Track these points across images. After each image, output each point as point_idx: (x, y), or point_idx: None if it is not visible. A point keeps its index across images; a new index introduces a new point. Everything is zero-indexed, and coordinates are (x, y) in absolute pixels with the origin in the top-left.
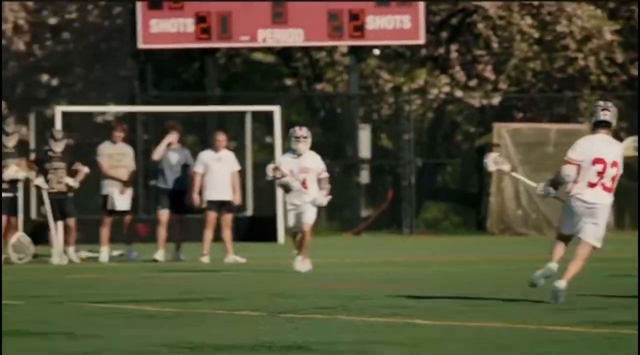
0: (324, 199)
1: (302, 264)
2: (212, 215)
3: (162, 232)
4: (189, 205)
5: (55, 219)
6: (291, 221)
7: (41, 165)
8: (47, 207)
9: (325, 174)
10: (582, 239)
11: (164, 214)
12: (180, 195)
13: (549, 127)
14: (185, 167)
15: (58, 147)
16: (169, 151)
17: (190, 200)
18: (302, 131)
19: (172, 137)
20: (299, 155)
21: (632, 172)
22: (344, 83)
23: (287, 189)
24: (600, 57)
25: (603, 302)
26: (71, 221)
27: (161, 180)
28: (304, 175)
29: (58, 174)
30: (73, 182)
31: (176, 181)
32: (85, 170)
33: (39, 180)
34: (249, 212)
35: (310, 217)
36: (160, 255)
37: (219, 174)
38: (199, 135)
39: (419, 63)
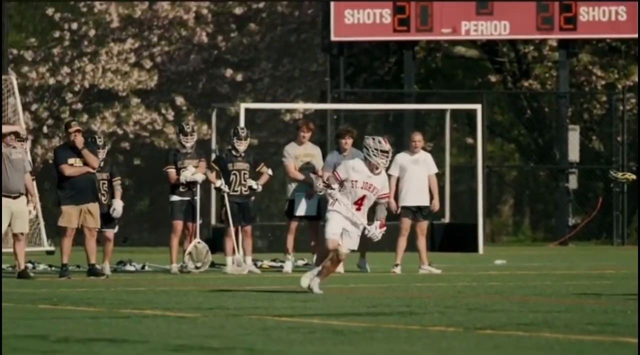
0: (379, 232)
1: (317, 285)
2: (406, 222)
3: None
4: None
5: (236, 225)
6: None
7: (222, 166)
8: (228, 211)
9: (386, 200)
10: None
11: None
12: None
13: None
14: None
15: (241, 146)
16: (340, 159)
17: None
18: (388, 145)
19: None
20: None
21: None
22: (553, 80)
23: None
24: None
25: None
26: (249, 228)
27: None
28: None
29: (240, 176)
30: (256, 185)
31: None
32: (269, 172)
33: (220, 183)
34: (447, 219)
35: (353, 245)
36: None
37: (415, 177)
38: (394, 135)
39: (635, 58)
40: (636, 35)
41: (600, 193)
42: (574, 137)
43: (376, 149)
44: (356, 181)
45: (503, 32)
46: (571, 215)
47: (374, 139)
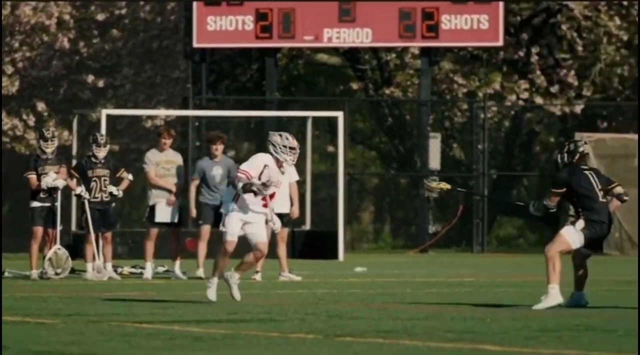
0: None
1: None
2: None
3: (202, 249)
4: None
5: (96, 231)
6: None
7: (82, 173)
8: (88, 218)
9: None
10: None
11: (206, 230)
12: None
13: (635, 138)
14: (230, 180)
15: (100, 153)
16: (211, 164)
17: None
18: (295, 141)
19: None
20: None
21: None
22: (415, 88)
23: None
24: None
25: None
26: (110, 234)
27: (204, 195)
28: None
29: (101, 182)
30: (117, 191)
31: (220, 195)
32: (129, 178)
33: (80, 190)
34: (307, 226)
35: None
36: (201, 272)
37: None
38: (256, 142)
39: (496, 67)
40: (498, 44)
41: (460, 201)
42: (435, 145)
43: (284, 146)
44: (272, 180)
45: (365, 39)
46: (431, 222)
47: (280, 135)
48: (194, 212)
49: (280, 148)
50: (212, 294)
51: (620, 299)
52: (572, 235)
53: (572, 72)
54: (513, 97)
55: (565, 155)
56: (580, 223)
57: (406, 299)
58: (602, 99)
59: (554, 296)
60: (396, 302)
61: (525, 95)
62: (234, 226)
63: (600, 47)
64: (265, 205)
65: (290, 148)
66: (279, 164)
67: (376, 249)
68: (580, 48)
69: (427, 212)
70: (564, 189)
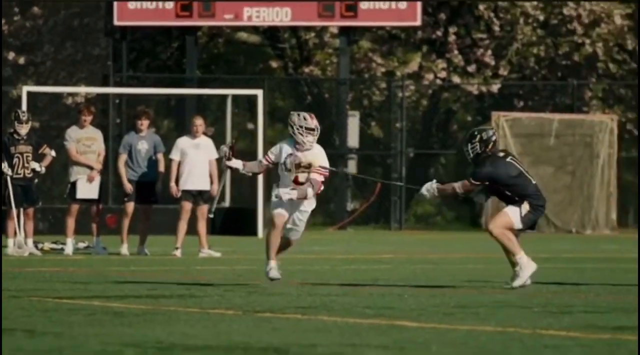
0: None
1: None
2: (187, 206)
3: (126, 225)
4: (159, 195)
5: (18, 207)
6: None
7: (5, 149)
8: (10, 194)
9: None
10: None
11: (130, 206)
12: (148, 186)
13: (552, 117)
14: (154, 155)
15: (22, 130)
16: (137, 139)
17: (159, 189)
18: (315, 121)
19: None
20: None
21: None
22: (333, 66)
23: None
24: (609, 43)
25: (602, 306)
26: (32, 210)
27: (128, 170)
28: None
29: (23, 158)
30: (39, 167)
31: (144, 171)
32: (52, 154)
33: (2, 165)
34: (227, 203)
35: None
36: (125, 249)
37: (196, 161)
38: (176, 120)
39: (414, 46)
40: (416, 23)
41: (379, 178)
42: (353, 123)
43: (300, 126)
44: (284, 162)
45: (285, 18)
46: (350, 200)
47: (298, 115)
48: (127, 187)
49: (297, 128)
50: (275, 273)
51: (537, 276)
52: (515, 215)
53: (489, 52)
54: (431, 76)
55: (478, 145)
56: (526, 206)
57: (325, 275)
58: (518, 78)
59: (526, 264)
60: (315, 278)
61: (443, 74)
62: (279, 207)
63: (516, 27)
64: (294, 189)
65: (307, 128)
66: (299, 146)
67: None
68: (497, 28)
69: (345, 189)
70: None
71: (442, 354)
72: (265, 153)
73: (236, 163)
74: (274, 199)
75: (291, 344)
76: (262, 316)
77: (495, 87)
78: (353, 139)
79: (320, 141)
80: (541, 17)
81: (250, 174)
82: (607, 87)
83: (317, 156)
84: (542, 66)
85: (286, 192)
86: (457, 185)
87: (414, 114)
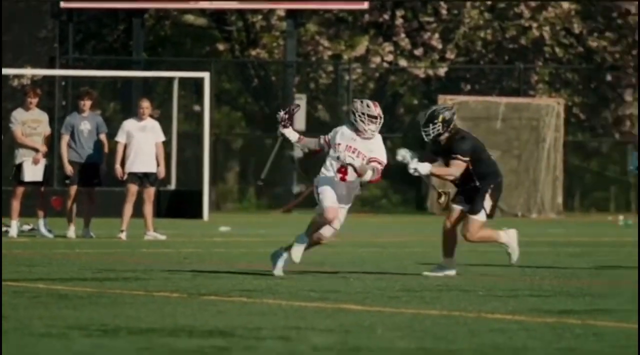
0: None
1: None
2: (133, 189)
3: (71, 207)
4: (104, 177)
5: None
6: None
7: None
8: None
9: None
10: None
11: (73, 189)
12: (92, 168)
13: (498, 100)
14: (98, 136)
15: None
16: (79, 119)
17: (104, 171)
18: (379, 109)
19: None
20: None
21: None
22: (280, 49)
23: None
24: (556, 27)
25: (547, 289)
26: None
27: (71, 152)
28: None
29: None
30: None
31: (87, 152)
32: None
33: None
34: (173, 185)
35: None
36: (71, 232)
37: (142, 144)
38: (122, 102)
39: (362, 30)
40: (363, 7)
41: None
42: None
43: (363, 113)
44: (339, 144)
45: (232, 1)
46: (295, 183)
47: (362, 102)
48: (68, 169)
49: (360, 115)
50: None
51: (483, 259)
52: (483, 216)
53: (436, 35)
54: (378, 60)
55: (440, 125)
56: (488, 201)
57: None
58: (465, 62)
59: (510, 239)
60: (260, 261)
61: (390, 57)
62: (330, 194)
63: (463, 11)
64: (342, 179)
65: (370, 116)
66: (359, 133)
67: (241, 209)
68: (444, 11)
69: (291, 172)
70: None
71: (387, 337)
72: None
73: (291, 133)
74: (322, 174)
75: (236, 327)
76: (207, 299)
77: (442, 71)
78: (300, 122)
79: (267, 124)
80: (488, 1)
81: (305, 150)
82: (553, 71)
83: (377, 146)
84: (489, 50)
85: (349, 156)
86: (453, 170)
87: (360, 97)
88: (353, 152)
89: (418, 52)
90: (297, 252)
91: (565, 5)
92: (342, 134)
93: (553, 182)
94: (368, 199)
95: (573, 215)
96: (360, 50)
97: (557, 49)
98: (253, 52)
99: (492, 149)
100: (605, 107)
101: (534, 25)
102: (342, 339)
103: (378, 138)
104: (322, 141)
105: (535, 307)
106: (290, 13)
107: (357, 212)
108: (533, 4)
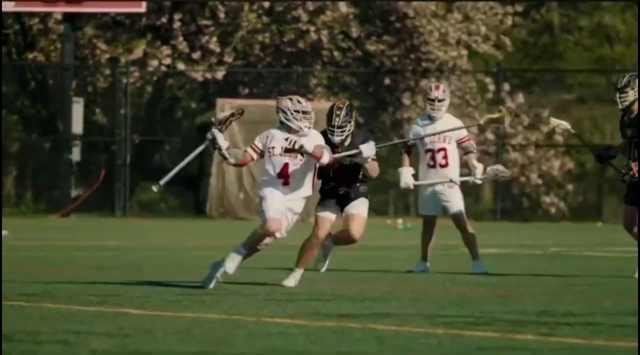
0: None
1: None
2: None
3: None
4: None
5: None
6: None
7: None
8: None
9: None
10: None
11: None
12: None
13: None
14: None
15: None
16: None
17: None
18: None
19: None
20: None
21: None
22: (58, 52)
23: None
24: (334, 30)
25: (327, 293)
26: None
27: None
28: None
29: None
30: None
31: None
32: None
33: None
34: None
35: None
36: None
37: None
38: None
39: (139, 33)
40: (140, 10)
41: (102, 165)
42: (77, 110)
43: (296, 110)
44: (273, 147)
45: (9, 5)
46: (74, 186)
47: (290, 99)
48: None
49: (291, 113)
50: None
51: (262, 262)
52: (366, 212)
53: (214, 39)
54: (155, 63)
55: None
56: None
57: (49, 262)
58: (243, 65)
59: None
60: (39, 265)
61: (168, 61)
62: (273, 204)
63: (242, 14)
64: (285, 183)
65: (304, 112)
66: (293, 132)
67: (18, 213)
68: (222, 15)
69: (69, 176)
70: None
71: (167, 341)
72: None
73: (222, 139)
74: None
75: (16, 331)
76: None
77: (220, 74)
78: (77, 126)
79: (44, 127)
80: (266, 5)
81: (230, 161)
82: (332, 74)
83: (314, 139)
84: (267, 53)
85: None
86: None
87: (138, 100)
88: (287, 150)
89: (196, 55)
90: (232, 263)
91: (344, 9)
92: (274, 137)
93: None
94: (146, 204)
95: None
96: (138, 53)
97: (335, 53)
98: (30, 55)
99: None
100: (383, 110)
101: (312, 29)
102: (121, 343)
103: (314, 133)
104: (250, 151)
105: (315, 311)
106: (68, 16)
107: (135, 216)
108: (311, 7)
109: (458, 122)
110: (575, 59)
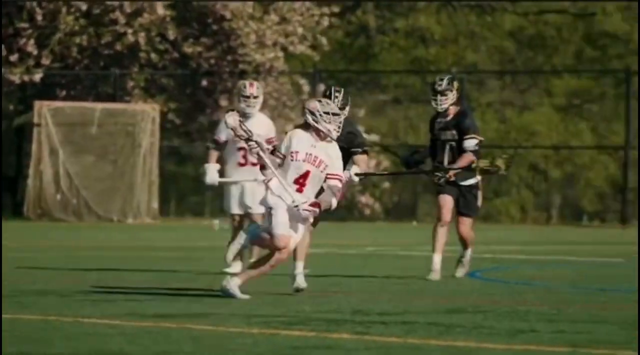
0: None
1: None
2: None
3: None
4: None
5: None
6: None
7: None
8: None
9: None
10: None
11: None
12: None
13: (94, 106)
14: None
15: None
16: None
17: None
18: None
19: None
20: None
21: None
22: None
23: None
24: (151, 33)
25: (144, 294)
26: None
27: None
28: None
29: None
30: None
31: None
32: None
33: None
34: None
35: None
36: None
37: None
38: None
39: None
40: None
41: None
42: None
43: (326, 112)
44: (297, 152)
45: None
46: None
47: (320, 100)
48: None
49: (320, 115)
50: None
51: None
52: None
53: (32, 41)
54: None
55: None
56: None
57: None
58: (61, 67)
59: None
60: None
61: None
62: (283, 217)
63: (59, 17)
64: (299, 190)
65: (334, 114)
66: (319, 135)
67: None
68: (40, 17)
69: None
70: None
71: None
72: None
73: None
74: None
75: None
76: None
77: (37, 77)
78: None
79: None
80: (84, 7)
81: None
82: (149, 76)
83: (335, 152)
84: (84, 55)
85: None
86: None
87: None
88: (313, 161)
89: (13, 58)
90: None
91: (161, 11)
92: (300, 139)
93: (149, 187)
94: None
95: (168, 219)
96: None
97: (152, 55)
98: None
99: (88, 154)
100: (201, 112)
101: (130, 31)
102: None
103: (335, 146)
104: (280, 156)
105: (131, 311)
106: None
107: None
108: (128, 10)
109: (270, 123)
110: (390, 60)
